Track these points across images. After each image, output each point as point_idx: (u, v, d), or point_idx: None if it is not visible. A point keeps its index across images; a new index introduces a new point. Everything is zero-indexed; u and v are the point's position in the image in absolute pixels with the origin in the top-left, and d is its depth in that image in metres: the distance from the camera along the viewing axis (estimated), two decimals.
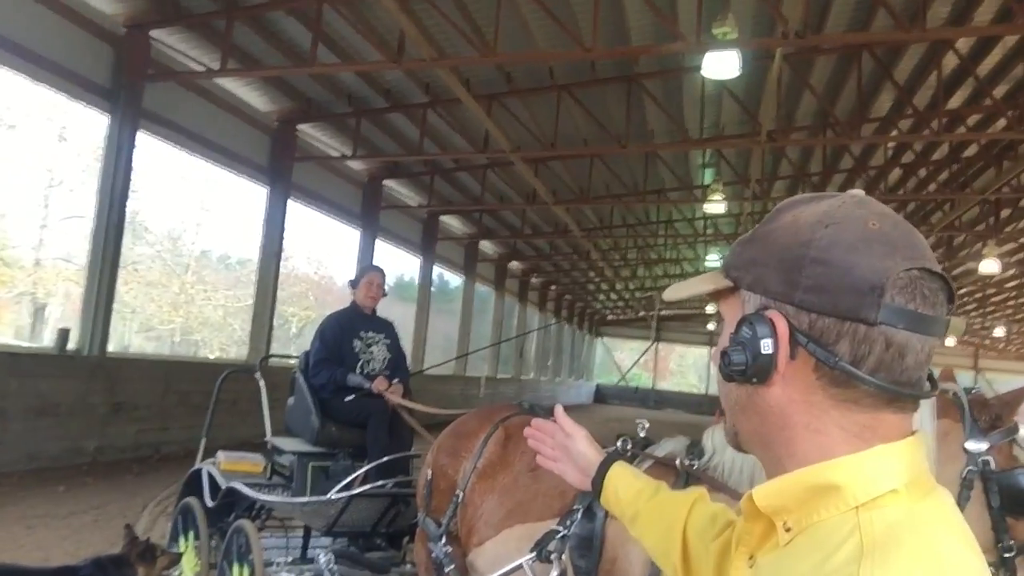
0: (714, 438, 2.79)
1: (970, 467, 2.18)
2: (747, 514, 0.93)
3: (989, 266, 19.40)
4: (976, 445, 2.19)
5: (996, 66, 13.22)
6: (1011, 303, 31.88)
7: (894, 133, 15.59)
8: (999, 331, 36.67)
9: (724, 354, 0.92)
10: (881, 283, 0.83)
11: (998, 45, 12.61)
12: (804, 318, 0.87)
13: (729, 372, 0.91)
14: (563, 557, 2.77)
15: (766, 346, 0.88)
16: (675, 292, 1.07)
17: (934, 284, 0.87)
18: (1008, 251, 23.51)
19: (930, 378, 0.91)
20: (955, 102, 14.50)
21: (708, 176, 19.23)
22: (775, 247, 0.90)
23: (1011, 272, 25.64)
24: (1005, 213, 20.13)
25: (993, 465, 2.17)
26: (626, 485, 1.49)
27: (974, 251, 21.96)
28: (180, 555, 4.54)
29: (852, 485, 0.84)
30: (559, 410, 1.77)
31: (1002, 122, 14.21)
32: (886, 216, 0.89)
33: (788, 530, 0.87)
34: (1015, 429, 2.23)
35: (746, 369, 0.89)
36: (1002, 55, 12.89)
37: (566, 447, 1.66)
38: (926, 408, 2.20)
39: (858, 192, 0.95)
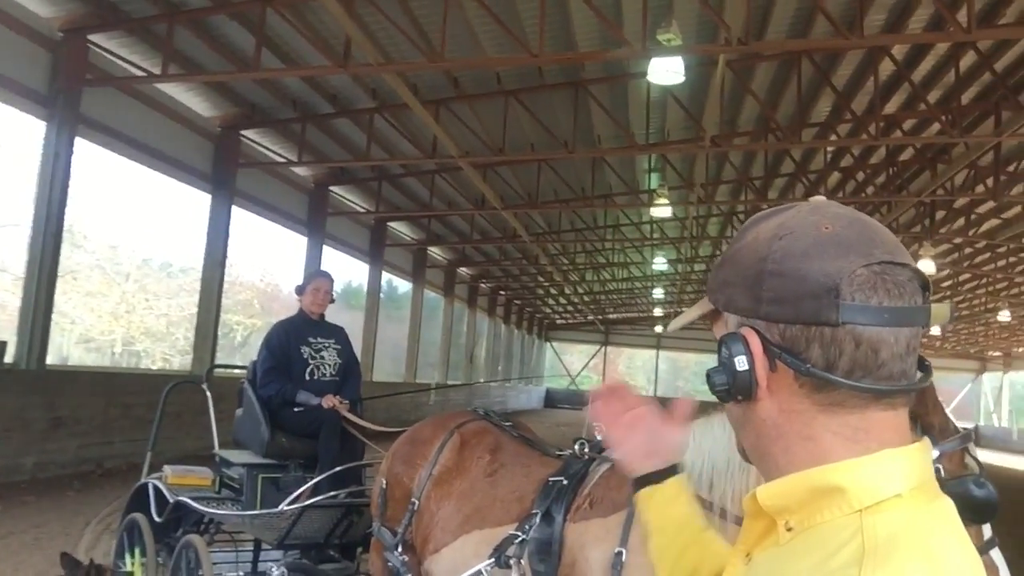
0: None
1: None
2: (749, 513, 0.94)
3: (925, 266, 19.92)
4: None
5: (929, 72, 13.63)
6: (946, 302, 32.81)
7: (833, 138, 15.96)
8: (935, 330, 37.73)
9: (708, 375, 0.94)
10: (835, 284, 0.85)
11: (931, 52, 13.01)
12: (774, 330, 0.89)
13: (715, 392, 0.94)
14: (522, 562, 2.76)
15: (741, 363, 0.90)
16: (676, 323, 1.14)
17: (901, 275, 0.88)
18: (942, 252, 24.24)
19: (923, 366, 0.93)
20: (891, 107, 14.90)
21: (654, 180, 19.46)
22: (740, 266, 0.93)
23: (945, 272, 26.44)
24: (940, 215, 20.75)
25: (943, 473, 2.21)
26: (681, 503, 1.34)
27: (911, 252, 22.54)
28: (130, 574, 4.41)
29: (857, 488, 0.84)
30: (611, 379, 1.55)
31: (936, 126, 14.65)
32: (840, 217, 0.91)
33: (790, 530, 0.88)
34: (968, 437, 2.27)
35: (729, 388, 0.92)
36: (935, 61, 13.29)
37: (647, 422, 1.38)
38: None
39: (817, 198, 0.97)
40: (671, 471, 1.36)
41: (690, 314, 1.06)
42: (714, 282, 0.98)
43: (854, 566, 0.79)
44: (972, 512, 2.18)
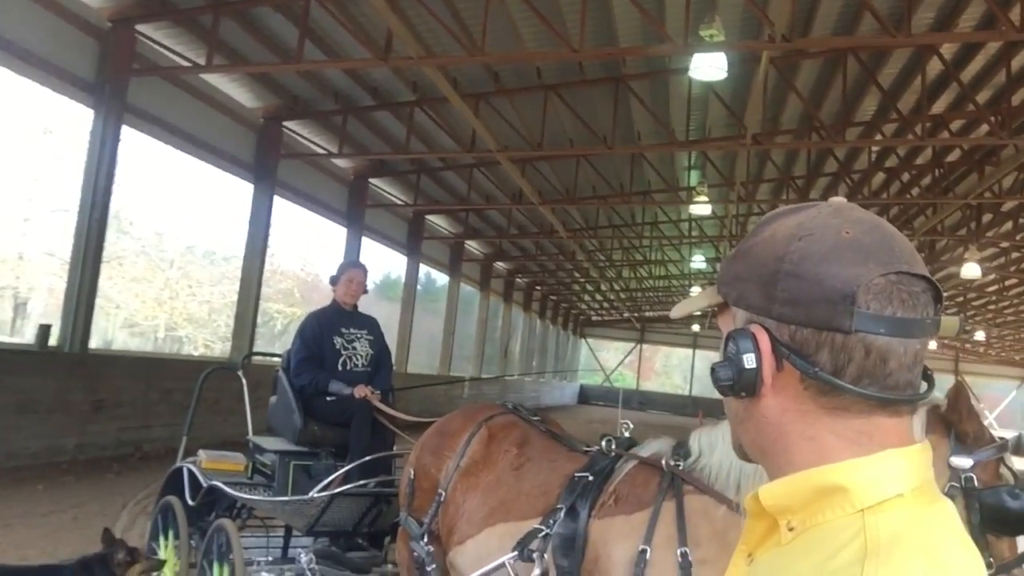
0: (701, 441, 2.80)
1: (952, 483, 2.17)
2: (751, 513, 0.94)
3: (970, 270, 19.54)
4: (960, 461, 2.19)
5: (979, 72, 13.34)
6: (991, 307, 32.15)
7: (878, 137, 15.70)
8: (979, 335, 36.98)
9: (713, 370, 0.94)
10: (852, 291, 0.84)
11: (981, 51, 12.73)
12: (785, 331, 0.88)
13: (719, 387, 0.93)
14: (545, 556, 2.77)
15: (748, 360, 0.89)
16: (679, 310, 1.12)
17: (915, 287, 0.87)
18: (989, 256, 23.72)
19: (927, 377, 0.92)
20: (939, 107, 14.61)
21: (694, 178, 19.29)
22: (754, 262, 0.92)
23: (991, 276, 25.87)
24: (987, 218, 20.32)
25: (976, 482, 2.16)
26: None
27: (956, 255, 22.13)
28: (162, 562, 4.49)
29: (858, 488, 0.84)
30: None
31: (984, 127, 14.34)
32: (861, 222, 0.90)
33: (791, 530, 0.88)
34: (1004, 447, 2.24)
35: (733, 384, 0.91)
36: (985, 61, 13.01)
37: None
38: (916, 421, 2.19)
39: (837, 200, 0.95)
40: None
41: (697, 303, 1.05)
42: (726, 275, 0.97)
43: (856, 565, 0.78)
44: (1006, 524, 2.13)
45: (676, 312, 1.13)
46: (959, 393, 2.28)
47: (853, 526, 0.82)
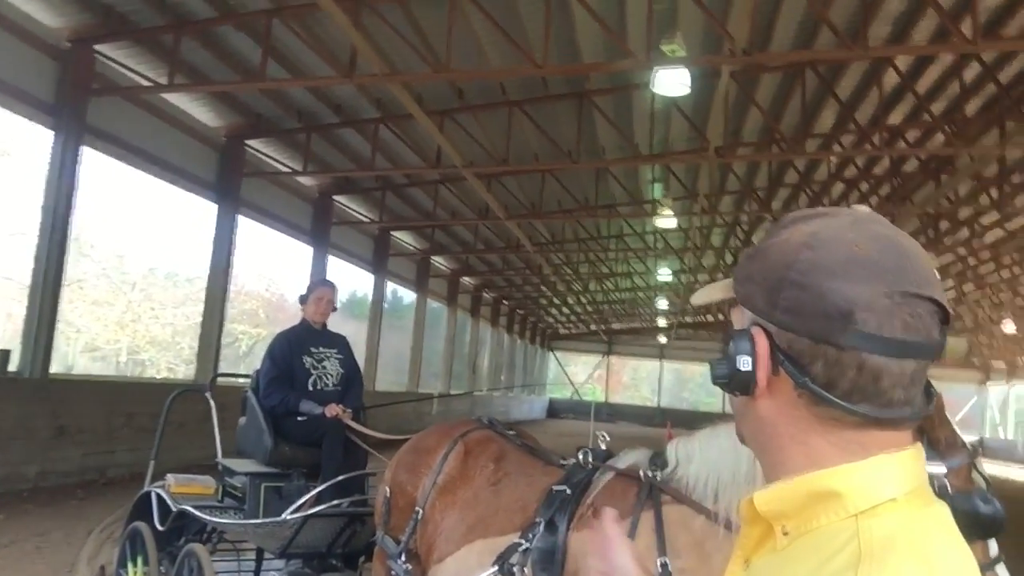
0: (678, 451, 2.81)
1: None
2: (746, 518, 0.94)
3: None
4: (934, 468, 2.21)
5: (934, 84, 13.64)
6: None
7: (837, 148, 15.98)
8: None
9: (712, 365, 0.95)
10: (851, 309, 0.84)
11: (935, 63, 13.02)
12: (784, 337, 0.89)
13: (715, 382, 0.94)
14: (525, 570, 2.76)
15: (743, 362, 0.90)
16: (700, 297, 1.11)
17: (920, 308, 0.86)
18: (947, 263, 24.22)
19: (928, 394, 0.92)
20: (895, 118, 14.91)
21: (658, 191, 19.48)
22: (765, 265, 0.93)
23: (949, 283, 26.40)
24: (944, 226, 20.74)
25: (949, 489, 2.20)
26: None
27: None
28: None
29: (852, 493, 0.85)
30: (609, 518, 1.36)
31: (940, 137, 14.66)
32: (877, 239, 0.89)
33: (786, 534, 0.88)
34: (975, 452, 2.28)
35: (728, 381, 0.92)
36: (940, 73, 13.31)
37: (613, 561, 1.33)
38: None
39: (862, 209, 0.95)
40: None
41: (714, 294, 1.05)
42: (741, 272, 0.97)
43: (851, 570, 0.79)
44: (978, 528, 2.16)
45: (697, 299, 1.13)
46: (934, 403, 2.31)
47: (847, 530, 0.83)
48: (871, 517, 0.83)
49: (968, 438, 2.40)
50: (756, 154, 16.70)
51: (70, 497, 9.99)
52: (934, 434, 2.27)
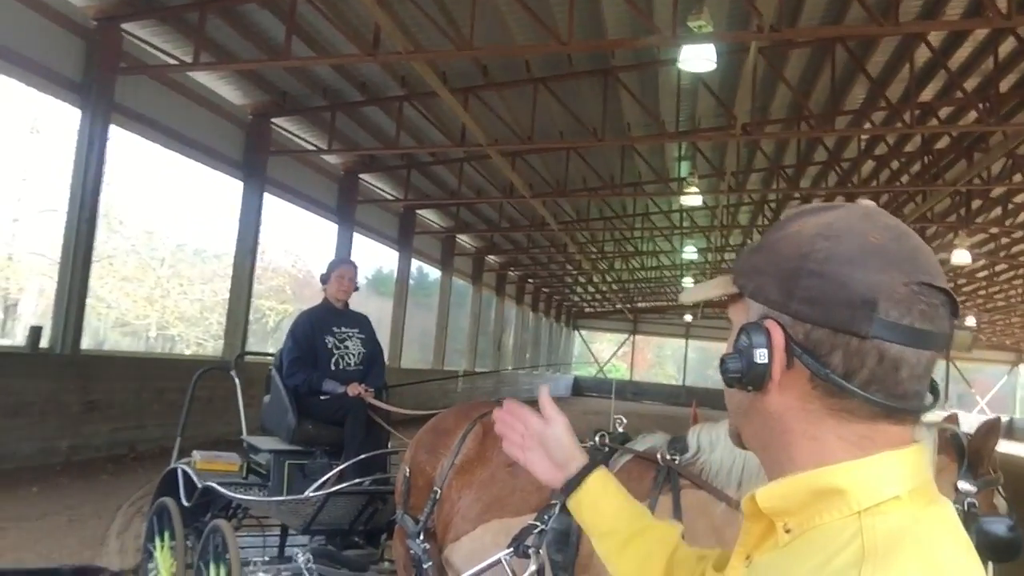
0: (700, 437, 2.81)
1: (957, 506, 2.26)
2: (748, 515, 0.94)
3: (961, 256, 19.62)
4: (967, 486, 2.31)
5: (967, 60, 13.37)
6: (981, 293, 32.29)
7: (867, 126, 15.72)
8: (970, 321, 37.16)
9: (722, 361, 0.94)
10: (874, 297, 0.84)
11: (968, 39, 12.75)
12: (800, 328, 0.88)
13: (727, 379, 0.93)
14: (540, 551, 2.78)
15: (760, 355, 0.89)
16: (689, 295, 1.11)
17: (935, 299, 0.87)
18: (978, 242, 23.83)
19: (934, 389, 0.92)
20: (927, 95, 14.64)
21: (684, 169, 19.30)
22: (777, 257, 0.92)
23: (981, 262, 25.99)
24: (976, 204, 20.39)
25: (977, 508, 2.27)
26: (608, 497, 1.35)
27: (946, 242, 22.23)
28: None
29: (856, 490, 0.84)
30: (544, 392, 1.46)
31: (972, 114, 14.38)
32: (889, 229, 0.90)
33: (788, 531, 0.88)
34: (998, 480, 2.36)
35: (742, 376, 0.91)
36: (972, 48, 13.04)
37: (543, 435, 1.40)
38: (928, 439, 2.32)
39: (866, 203, 0.95)
40: (588, 469, 1.37)
41: (710, 291, 1.04)
42: (744, 266, 0.97)
43: (854, 568, 0.79)
44: (995, 551, 2.23)
45: (686, 297, 1.12)
46: (992, 430, 2.42)
47: (851, 528, 0.83)
48: (875, 515, 0.83)
49: (1000, 417, 2.46)
50: (784, 131, 16.50)
51: (100, 471, 10.18)
52: (981, 459, 2.34)
